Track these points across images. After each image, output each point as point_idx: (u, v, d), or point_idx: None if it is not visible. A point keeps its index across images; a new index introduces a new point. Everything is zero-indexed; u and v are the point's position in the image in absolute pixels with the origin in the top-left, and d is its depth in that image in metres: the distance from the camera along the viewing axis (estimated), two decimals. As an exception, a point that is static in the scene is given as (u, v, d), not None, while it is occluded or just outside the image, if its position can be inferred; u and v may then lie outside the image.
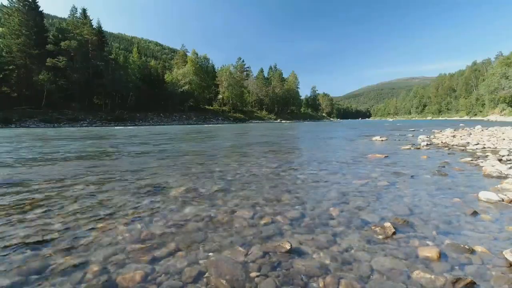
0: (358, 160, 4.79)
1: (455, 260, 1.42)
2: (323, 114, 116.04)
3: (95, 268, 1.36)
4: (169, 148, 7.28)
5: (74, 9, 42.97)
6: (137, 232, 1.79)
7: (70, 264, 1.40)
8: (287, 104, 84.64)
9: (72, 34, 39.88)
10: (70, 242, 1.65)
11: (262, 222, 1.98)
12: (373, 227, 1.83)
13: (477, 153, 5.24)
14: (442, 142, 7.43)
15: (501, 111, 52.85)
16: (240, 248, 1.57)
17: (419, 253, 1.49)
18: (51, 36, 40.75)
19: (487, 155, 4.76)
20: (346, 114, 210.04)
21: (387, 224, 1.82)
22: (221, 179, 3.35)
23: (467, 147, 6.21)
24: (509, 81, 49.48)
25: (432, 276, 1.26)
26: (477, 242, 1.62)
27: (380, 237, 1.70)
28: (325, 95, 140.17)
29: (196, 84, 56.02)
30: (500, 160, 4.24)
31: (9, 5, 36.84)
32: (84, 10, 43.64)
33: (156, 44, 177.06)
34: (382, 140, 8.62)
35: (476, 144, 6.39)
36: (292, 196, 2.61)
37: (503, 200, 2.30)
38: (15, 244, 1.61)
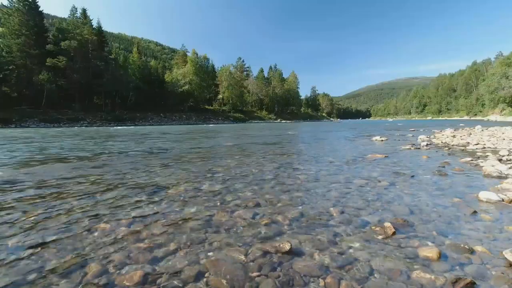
0: (358, 160, 4.79)
1: (455, 260, 1.42)
2: (323, 114, 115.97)
3: (95, 268, 1.36)
4: (169, 148, 7.28)
5: (74, 9, 42.90)
6: (137, 231, 1.79)
7: (70, 264, 1.40)
8: (287, 104, 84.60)
9: (72, 34, 39.78)
10: (70, 242, 1.65)
11: (262, 222, 1.98)
12: (373, 227, 1.83)
13: (477, 153, 5.23)
14: (442, 142, 7.43)
15: (501, 111, 52.81)
16: (240, 248, 1.57)
17: (419, 253, 1.49)
18: (51, 36, 40.68)
19: (487, 155, 4.76)
20: (346, 114, 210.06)
21: (387, 224, 1.82)
22: (221, 179, 3.35)
23: (467, 147, 6.21)
24: (509, 81, 49.43)
25: (432, 276, 1.26)
26: (477, 242, 1.62)
27: (380, 237, 1.70)
28: (325, 95, 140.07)
29: (196, 84, 55.97)
30: (500, 160, 4.24)
31: (9, 5, 36.81)
32: (84, 10, 43.59)
33: (156, 44, 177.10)
34: (382, 140, 8.63)
35: (476, 144, 6.39)
36: (292, 196, 2.61)
37: (503, 200, 2.30)
38: (16, 244, 1.61)
